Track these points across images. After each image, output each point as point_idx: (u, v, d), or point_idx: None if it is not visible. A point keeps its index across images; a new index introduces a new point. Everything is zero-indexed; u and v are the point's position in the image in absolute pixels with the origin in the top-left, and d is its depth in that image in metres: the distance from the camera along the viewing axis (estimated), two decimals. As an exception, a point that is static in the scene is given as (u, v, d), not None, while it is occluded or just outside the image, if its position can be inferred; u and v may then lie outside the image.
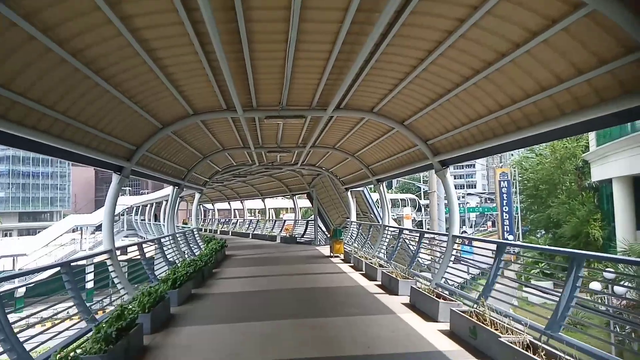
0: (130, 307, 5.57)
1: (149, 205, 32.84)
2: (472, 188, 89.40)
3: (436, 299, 6.65)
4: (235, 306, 7.94)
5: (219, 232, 31.93)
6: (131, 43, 4.52)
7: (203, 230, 36.42)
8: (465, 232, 51.07)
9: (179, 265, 9.62)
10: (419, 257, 9.82)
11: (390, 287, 8.81)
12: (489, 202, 72.29)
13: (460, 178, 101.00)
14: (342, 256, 14.54)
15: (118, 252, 7.63)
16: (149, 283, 8.35)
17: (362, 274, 10.87)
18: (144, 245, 9.18)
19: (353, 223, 17.79)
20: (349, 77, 6.00)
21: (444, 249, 8.06)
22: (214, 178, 17.78)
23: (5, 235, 72.24)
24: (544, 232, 35.98)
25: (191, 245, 13.89)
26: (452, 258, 8.22)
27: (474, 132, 6.68)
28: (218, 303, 8.19)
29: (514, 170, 39.66)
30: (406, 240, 14.03)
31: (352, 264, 12.60)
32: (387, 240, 12.89)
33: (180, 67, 5.72)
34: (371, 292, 8.65)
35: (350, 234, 16.96)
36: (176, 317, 6.92)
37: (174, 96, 6.63)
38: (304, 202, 47.11)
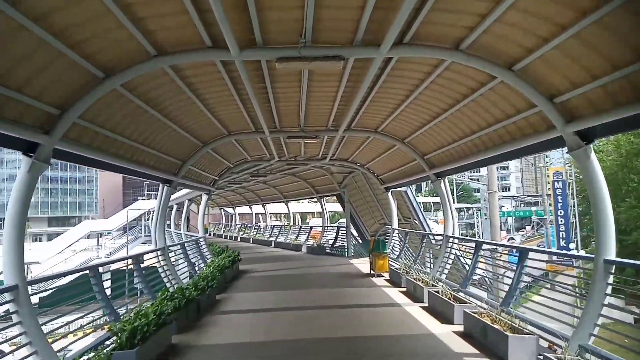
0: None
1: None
2: (506, 190, 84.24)
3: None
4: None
5: (239, 239, 29.10)
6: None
7: (224, 237, 33.82)
8: (512, 238, 46.53)
9: (158, 295, 6.56)
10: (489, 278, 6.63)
11: (488, 341, 5.36)
12: (522, 205, 67.43)
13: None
14: (386, 275, 11.19)
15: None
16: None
17: (424, 308, 7.47)
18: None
19: (396, 231, 14.42)
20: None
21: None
22: (226, 176, 14.77)
23: (35, 240, 72.61)
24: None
25: (192, 259, 10.85)
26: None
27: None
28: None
29: (569, 169, 34.98)
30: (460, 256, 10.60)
31: (405, 289, 9.22)
32: (452, 257, 9.44)
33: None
34: (459, 353, 5.25)
35: (392, 245, 13.61)
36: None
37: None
38: (332, 206, 43.87)
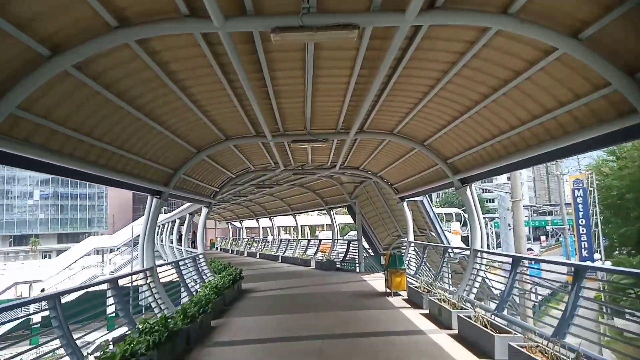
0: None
1: (168, 224, 29.39)
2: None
3: None
4: None
5: (245, 254, 28.00)
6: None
7: (230, 251, 32.72)
8: (531, 249, 44.67)
9: (129, 334, 5.50)
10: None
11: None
12: (535, 215, 65.45)
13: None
14: (404, 294, 10.00)
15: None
16: None
17: (453, 337, 6.28)
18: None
19: (412, 245, 13.24)
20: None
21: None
22: (228, 188, 13.80)
23: (45, 257, 72.37)
24: (631, 250, 29.61)
25: (188, 279, 9.78)
26: None
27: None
28: None
29: (590, 177, 33.38)
30: (485, 274, 9.37)
31: (427, 311, 8.03)
32: (478, 273, 8.25)
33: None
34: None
35: (407, 260, 12.42)
36: None
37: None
38: (342, 218, 42.55)
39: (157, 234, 34.70)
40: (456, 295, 8.20)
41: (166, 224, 30.05)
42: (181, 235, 30.22)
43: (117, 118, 5.55)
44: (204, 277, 11.17)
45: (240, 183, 16.46)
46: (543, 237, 66.83)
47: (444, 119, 7.02)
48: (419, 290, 9.05)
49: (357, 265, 15.95)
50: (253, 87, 5.70)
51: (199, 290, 9.54)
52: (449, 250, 10.77)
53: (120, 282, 6.65)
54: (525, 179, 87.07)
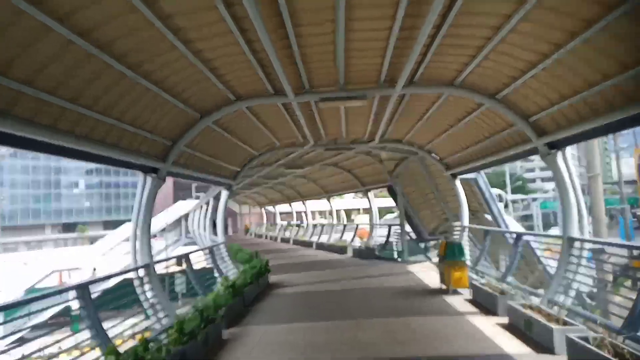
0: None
1: (198, 209, 28.40)
2: None
3: None
4: None
5: (279, 240, 26.69)
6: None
7: (264, 237, 31.55)
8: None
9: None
10: None
11: None
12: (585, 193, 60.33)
13: (548, 169, 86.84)
14: (465, 292, 8.03)
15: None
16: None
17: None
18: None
19: (466, 230, 11.13)
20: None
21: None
22: (250, 168, 12.14)
23: (92, 243, 75.39)
24: None
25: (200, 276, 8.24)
26: None
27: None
28: None
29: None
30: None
31: (505, 320, 6.03)
32: (578, 269, 6.06)
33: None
34: None
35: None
36: None
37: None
38: (378, 202, 40.30)
39: (192, 220, 34.15)
40: (544, 300, 6.13)
41: (196, 209, 29.10)
42: (213, 221, 29.34)
43: (94, 73, 4.27)
44: (223, 271, 9.62)
45: (268, 163, 14.81)
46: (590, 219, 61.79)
47: (526, 59, 5.13)
48: (488, 289, 7.04)
49: (401, 253, 13.96)
50: (267, 27, 4.16)
51: (216, 287, 7.99)
52: (522, 238, 8.52)
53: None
54: (569, 157, 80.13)
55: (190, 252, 8.42)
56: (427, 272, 10.82)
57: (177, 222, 40.33)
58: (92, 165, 78.08)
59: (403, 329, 6.04)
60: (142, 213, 6.34)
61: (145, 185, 6.36)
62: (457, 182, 11.52)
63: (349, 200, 52.46)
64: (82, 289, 4.54)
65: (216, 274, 9.72)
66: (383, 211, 51.92)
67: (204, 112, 6.75)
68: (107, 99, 4.74)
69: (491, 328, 5.77)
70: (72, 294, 4.52)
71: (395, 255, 14.67)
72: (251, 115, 7.96)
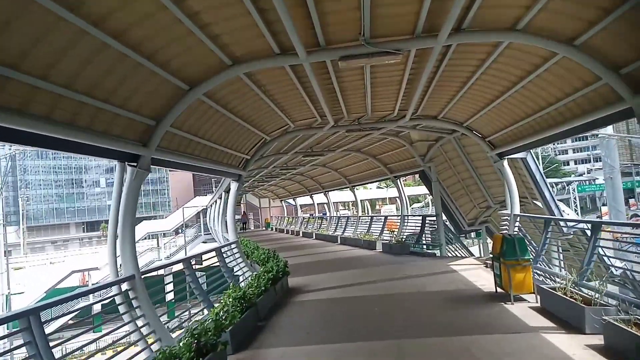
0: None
1: (214, 204, 27.20)
2: (597, 162, 72.33)
3: None
4: None
5: (301, 234, 25.31)
6: None
7: (285, 231, 30.22)
8: (637, 215, 37.99)
9: None
10: None
11: None
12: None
13: (581, 151, 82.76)
14: (530, 298, 6.44)
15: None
16: None
17: None
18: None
19: (518, 219, 9.50)
20: None
21: None
22: (263, 155, 10.68)
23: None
24: None
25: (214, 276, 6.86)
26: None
27: None
28: None
29: None
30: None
31: (601, 341, 4.39)
32: None
33: None
34: None
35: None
36: None
37: None
38: (405, 191, 38.34)
39: (208, 216, 33.18)
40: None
41: (212, 204, 27.91)
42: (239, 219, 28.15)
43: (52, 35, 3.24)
44: (234, 275, 8.23)
45: (283, 151, 13.35)
46: (632, 200, 57.98)
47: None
48: (565, 296, 5.41)
49: (439, 247, 12.29)
50: None
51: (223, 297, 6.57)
52: (600, 228, 6.74)
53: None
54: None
55: (190, 257, 7.00)
56: (474, 271, 9.17)
57: (196, 218, 39.76)
58: (113, 164, 78.67)
59: (462, 354, 4.48)
60: (122, 211, 4.93)
61: (127, 177, 4.95)
62: (505, 164, 9.81)
63: (373, 190, 50.67)
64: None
65: (227, 278, 8.37)
66: (413, 200, 49.84)
67: (193, 82, 5.26)
68: (66, 67, 3.45)
69: (583, 353, 4.16)
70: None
71: (432, 250, 13.01)
72: (256, 87, 6.42)
